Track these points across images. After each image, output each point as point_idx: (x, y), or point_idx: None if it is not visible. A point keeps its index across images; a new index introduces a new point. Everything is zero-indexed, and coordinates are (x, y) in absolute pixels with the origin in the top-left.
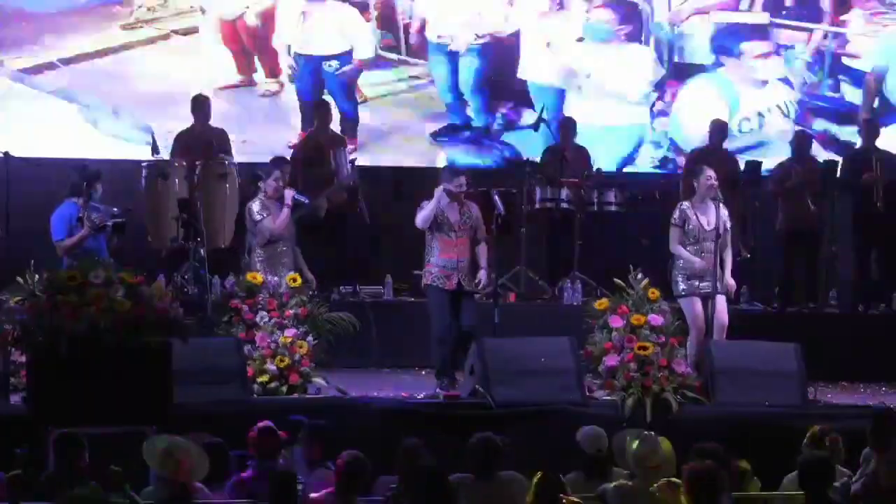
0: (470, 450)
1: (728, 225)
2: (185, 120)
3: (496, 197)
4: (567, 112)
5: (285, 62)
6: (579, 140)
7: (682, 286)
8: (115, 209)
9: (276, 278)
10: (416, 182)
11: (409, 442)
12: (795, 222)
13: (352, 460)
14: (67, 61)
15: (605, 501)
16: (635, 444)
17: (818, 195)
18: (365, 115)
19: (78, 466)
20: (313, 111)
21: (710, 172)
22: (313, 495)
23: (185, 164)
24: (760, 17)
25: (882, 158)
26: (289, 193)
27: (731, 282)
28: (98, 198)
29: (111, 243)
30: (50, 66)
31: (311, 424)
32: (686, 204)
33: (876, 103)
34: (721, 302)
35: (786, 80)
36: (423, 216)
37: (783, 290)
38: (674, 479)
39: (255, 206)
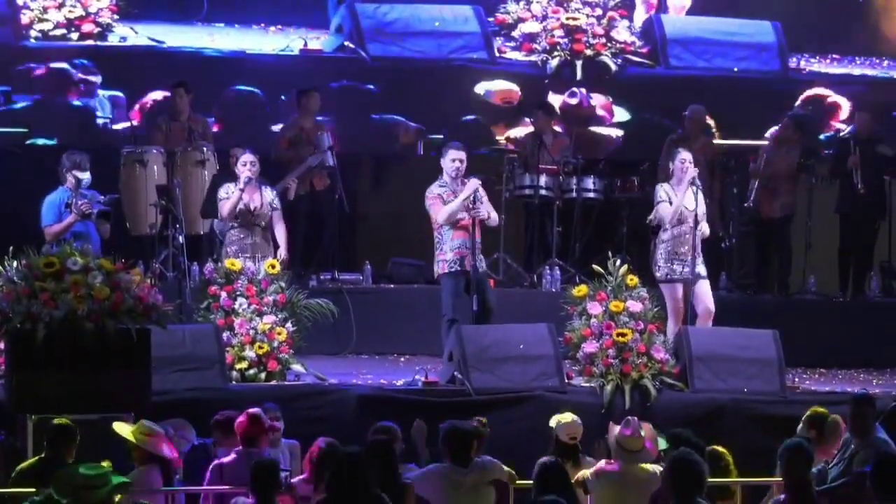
0: (443, 438)
1: (703, 210)
2: None
3: None
4: None
5: None
6: None
7: (663, 270)
8: (103, 196)
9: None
10: (396, 170)
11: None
12: (770, 209)
13: (327, 448)
14: None
15: (584, 486)
16: (617, 429)
17: (796, 180)
18: None
19: (68, 456)
20: (298, 98)
21: (685, 155)
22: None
23: (163, 150)
24: None
25: (862, 143)
26: (242, 177)
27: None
28: (87, 184)
29: (101, 230)
30: None
31: (225, 416)
32: (666, 185)
33: None
34: (706, 287)
35: None
36: (448, 212)
37: (758, 276)
38: None
39: (223, 187)
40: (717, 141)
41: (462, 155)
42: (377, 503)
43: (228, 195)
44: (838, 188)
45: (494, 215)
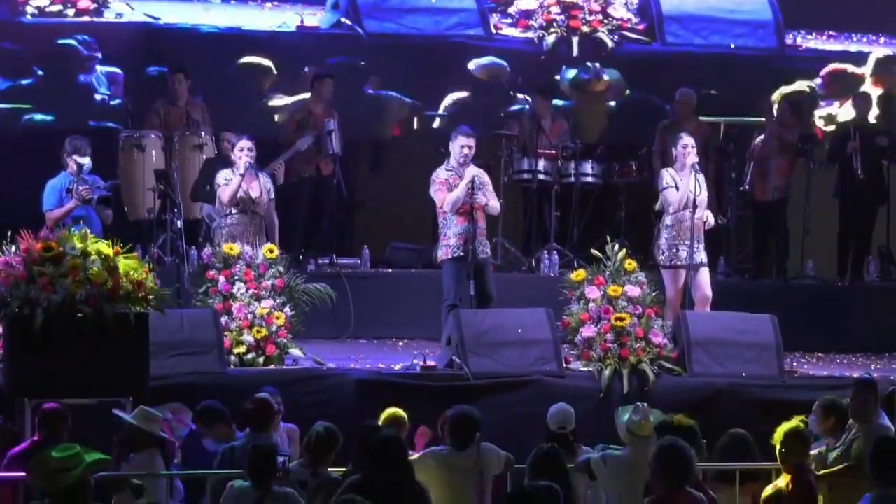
0: (449, 422)
1: (706, 196)
2: None
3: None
4: None
5: None
6: None
7: (666, 255)
8: (104, 182)
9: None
10: (394, 154)
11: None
12: (763, 192)
13: (322, 431)
14: None
15: (591, 472)
16: (627, 415)
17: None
18: None
19: (61, 439)
20: (312, 83)
21: (688, 140)
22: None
23: (161, 135)
24: None
25: (862, 128)
26: (241, 163)
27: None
28: (87, 170)
29: (102, 215)
30: None
31: (204, 407)
32: (671, 170)
33: None
34: (705, 275)
35: None
36: (452, 201)
37: (756, 260)
38: None
39: (222, 173)
40: (714, 118)
41: (471, 142)
42: (415, 487)
43: (228, 181)
44: (837, 172)
45: (494, 203)
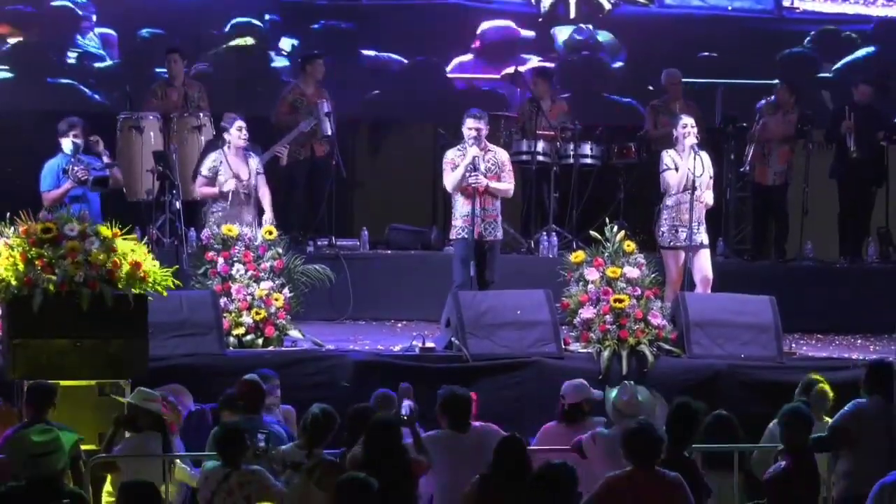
0: (440, 405)
1: (712, 172)
2: None
3: None
4: None
5: None
6: None
7: (666, 237)
8: (99, 163)
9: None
10: (393, 135)
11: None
12: (764, 176)
13: (319, 413)
14: None
15: (582, 452)
16: (613, 394)
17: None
18: None
19: (48, 415)
20: (303, 64)
21: (687, 121)
22: None
23: (159, 116)
24: None
25: (856, 108)
26: (237, 144)
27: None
28: (80, 150)
29: (113, 178)
30: None
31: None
32: (672, 152)
33: None
34: (705, 256)
35: None
36: (449, 182)
37: (755, 242)
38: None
39: (209, 158)
40: (711, 81)
41: (478, 124)
42: (406, 467)
43: (212, 170)
44: (833, 153)
45: (499, 185)
